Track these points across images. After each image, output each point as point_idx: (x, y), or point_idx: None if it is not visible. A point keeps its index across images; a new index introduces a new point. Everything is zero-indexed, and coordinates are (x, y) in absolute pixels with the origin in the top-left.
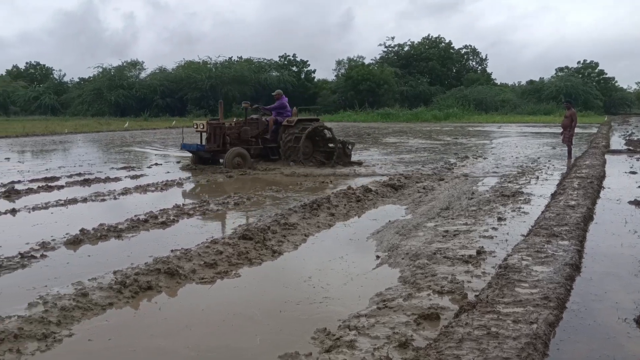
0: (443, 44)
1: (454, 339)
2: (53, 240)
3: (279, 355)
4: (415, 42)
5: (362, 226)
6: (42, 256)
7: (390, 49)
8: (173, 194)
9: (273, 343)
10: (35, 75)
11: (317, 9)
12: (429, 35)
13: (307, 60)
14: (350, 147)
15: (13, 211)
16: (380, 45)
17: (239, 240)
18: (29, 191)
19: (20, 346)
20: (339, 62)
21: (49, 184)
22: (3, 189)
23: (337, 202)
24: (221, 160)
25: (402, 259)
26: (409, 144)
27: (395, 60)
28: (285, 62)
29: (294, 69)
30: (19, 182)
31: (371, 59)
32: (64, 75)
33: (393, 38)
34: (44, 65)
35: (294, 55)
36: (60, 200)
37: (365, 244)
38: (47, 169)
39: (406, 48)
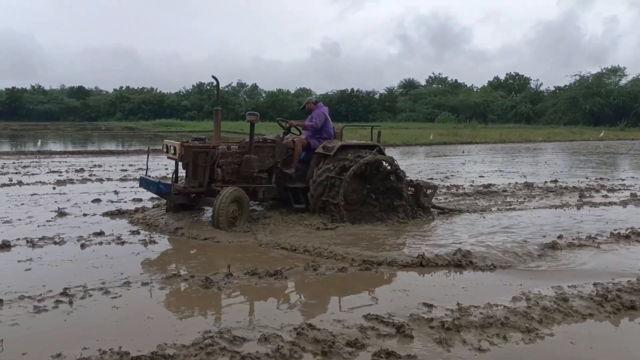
0: None
1: None
2: (526, 242)
3: None
4: None
5: None
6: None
7: None
8: None
9: None
10: (513, 86)
11: None
12: None
13: None
14: (428, 192)
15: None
16: None
17: None
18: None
19: (505, 333)
20: None
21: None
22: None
23: None
24: (206, 207)
25: None
26: None
27: None
28: None
29: None
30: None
31: None
32: (541, 84)
33: None
34: (522, 75)
35: None
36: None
37: None
38: (523, 175)
39: None
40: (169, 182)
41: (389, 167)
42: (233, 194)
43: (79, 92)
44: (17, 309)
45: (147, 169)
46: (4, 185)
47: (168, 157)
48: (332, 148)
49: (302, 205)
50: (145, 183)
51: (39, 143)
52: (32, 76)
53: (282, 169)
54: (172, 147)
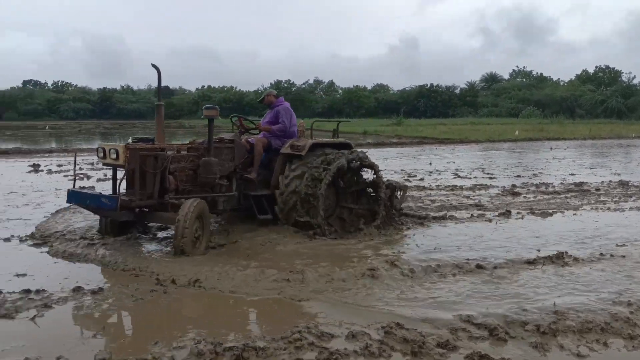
0: None
1: None
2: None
3: None
4: None
5: None
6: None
7: None
8: None
9: None
10: (603, 79)
11: None
12: None
13: None
14: (399, 193)
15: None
16: None
17: None
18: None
19: (606, 339)
20: None
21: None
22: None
23: None
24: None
25: None
26: None
27: None
28: None
29: None
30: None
31: None
32: (633, 77)
33: None
34: (613, 68)
35: None
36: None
37: None
38: (616, 173)
39: None
40: (110, 194)
41: (368, 169)
42: (197, 208)
43: (165, 92)
44: (116, 299)
45: (75, 178)
46: (99, 180)
47: (104, 164)
48: (303, 147)
49: (268, 216)
50: (77, 198)
51: (129, 140)
52: (121, 77)
53: (243, 174)
54: (112, 151)
